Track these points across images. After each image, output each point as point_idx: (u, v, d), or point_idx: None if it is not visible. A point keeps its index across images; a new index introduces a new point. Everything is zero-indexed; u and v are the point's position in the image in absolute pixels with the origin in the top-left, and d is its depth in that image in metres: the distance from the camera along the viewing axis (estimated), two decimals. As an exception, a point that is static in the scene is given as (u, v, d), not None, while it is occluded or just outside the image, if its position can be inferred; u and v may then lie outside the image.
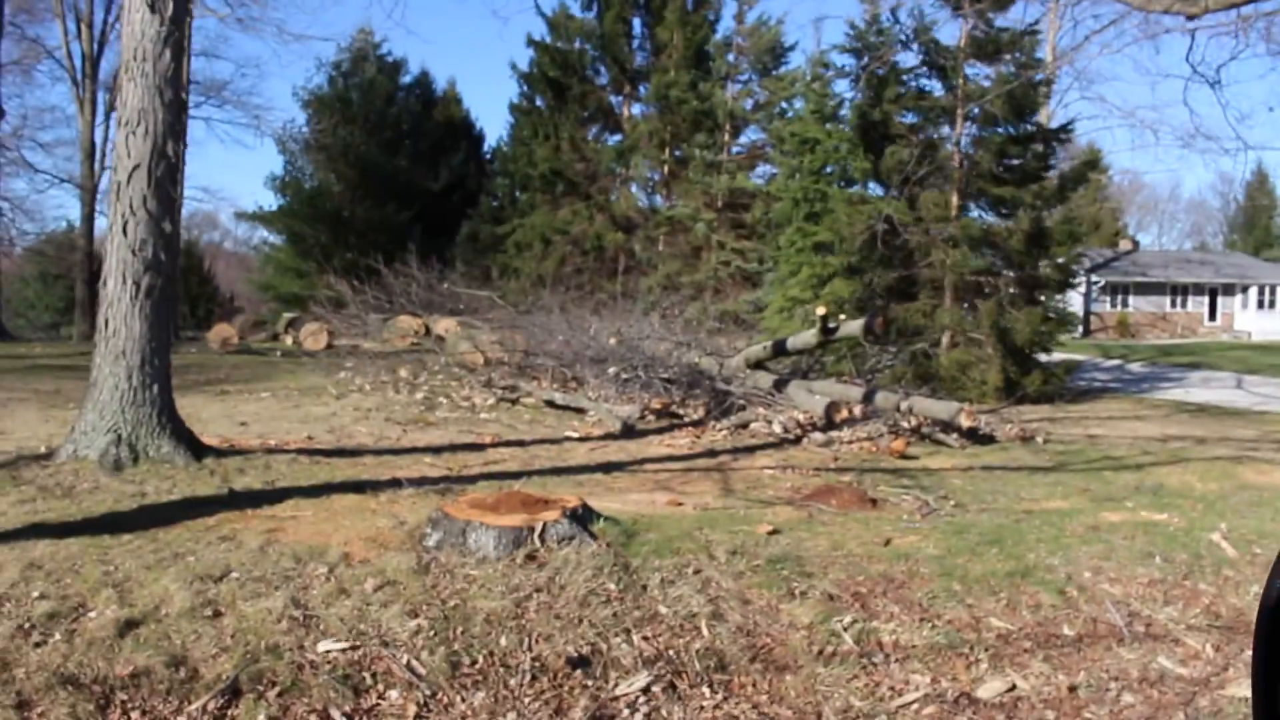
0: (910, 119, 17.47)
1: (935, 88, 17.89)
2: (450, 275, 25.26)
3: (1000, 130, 15.91)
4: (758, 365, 14.48)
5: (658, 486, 8.65)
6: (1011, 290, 16.82)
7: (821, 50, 20.18)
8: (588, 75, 33.03)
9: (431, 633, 4.71)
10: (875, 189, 18.28)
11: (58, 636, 4.47)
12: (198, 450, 8.21)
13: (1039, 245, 16.34)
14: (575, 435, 11.54)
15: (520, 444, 10.75)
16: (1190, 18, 12.69)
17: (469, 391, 14.36)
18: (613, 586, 5.30)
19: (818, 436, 11.53)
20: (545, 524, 5.78)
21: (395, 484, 7.73)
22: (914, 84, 17.79)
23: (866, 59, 17.67)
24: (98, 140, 35.82)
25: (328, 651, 4.51)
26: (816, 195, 18.21)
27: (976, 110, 16.23)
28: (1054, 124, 19.57)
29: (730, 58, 29.67)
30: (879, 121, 17.20)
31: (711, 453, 10.76)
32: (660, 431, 12.17)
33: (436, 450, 9.97)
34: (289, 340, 25.35)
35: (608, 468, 9.45)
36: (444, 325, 22.57)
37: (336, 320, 22.98)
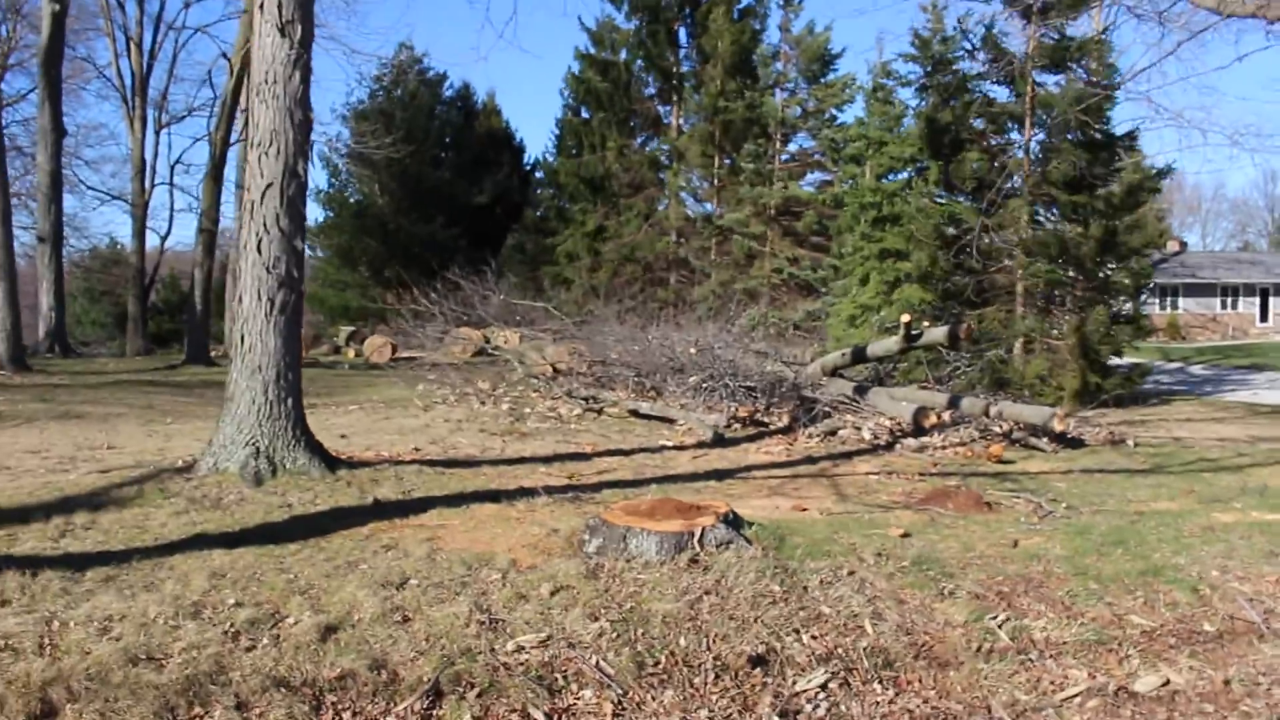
0: (978, 125, 17.52)
1: (999, 94, 17.98)
2: (503, 287, 25.50)
3: (1070, 137, 15.93)
4: (834, 372, 14.58)
5: (773, 493, 8.78)
6: (1083, 295, 16.82)
7: (884, 60, 20.19)
8: (633, 85, 33.15)
9: (614, 634, 4.85)
10: (939, 195, 18.30)
11: (265, 641, 4.64)
12: (330, 462, 8.41)
13: (1110, 251, 16.37)
14: (670, 444, 11.66)
15: (622, 453, 10.87)
16: (1271, 21, 12.69)
17: (553, 402, 14.52)
18: (777, 588, 5.44)
19: (911, 442, 11.60)
20: (704, 529, 5.92)
21: (528, 493, 7.89)
22: (979, 91, 17.85)
23: (931, 67, 17.75)
24: (148, 157, 36.31)
25: (519, 654, 4.65)
26: (883, 202, 18.26)
27: (1045, 117, 16.28)
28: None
29: (778, 66, 29.69)
30: (946, 128, 17.26)
31: (810, 459, 10.85)
32: (750, 439, 12.27)
33: (545, 460, 10.12)
34: (351, 353, 25.64)
35: (718, 475, 9.56)
36: (503, 337, 22.77)
37: (397, 332, 23.23)
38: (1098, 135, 15.99)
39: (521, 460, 10.07)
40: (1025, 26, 16.82)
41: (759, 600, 5.30)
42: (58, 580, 5.28)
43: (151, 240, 38.68)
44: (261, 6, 7.96)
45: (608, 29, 33.01)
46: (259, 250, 7.93)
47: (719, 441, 11.83)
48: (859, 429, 12.34)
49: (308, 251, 45.32)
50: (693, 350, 14.74)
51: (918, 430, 11.96)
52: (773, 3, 31.11)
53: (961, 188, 17.23)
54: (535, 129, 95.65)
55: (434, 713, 4.23)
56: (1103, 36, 15.78)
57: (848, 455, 11.21)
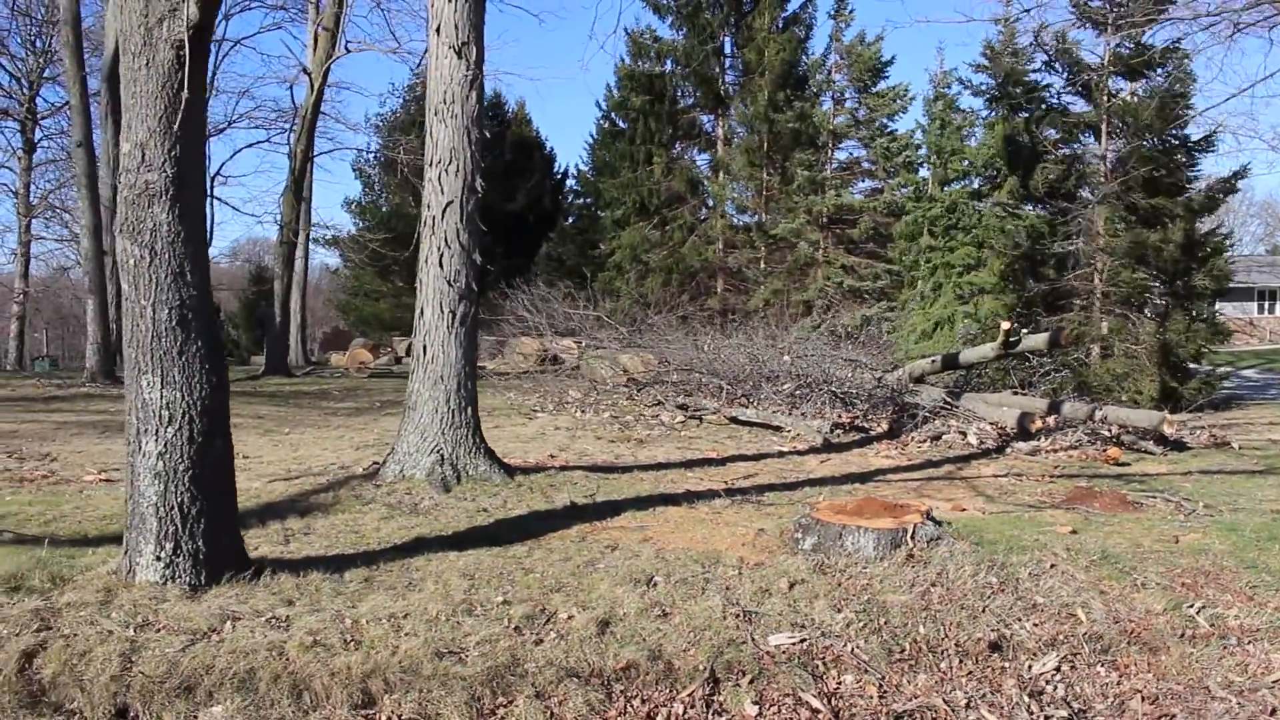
0: (1051, 134, 17.79)
1: (1073, 102, 18.23)
2: (555, 295, 25.66)
3: (1147, 144, 16.17)
4: (920, 379, 14.83)
5: (919, 494, 9.01)
6: (1163, 300, 17.07)
7: (946, 70, 20.44)
8: (676, 96, 33.20)
9: (860, 624, 5.15)
10: (1013, 205, 18.52)
11: (553, 635, 4.92)
12: (508, 469, 8.67)
13: (1190, 255, 16.62)
14: (786, 449, 11.90)
15: (748, 458, 11.10)
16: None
17: (654, 409, 14.75)
18: (994, 580, 5.75)
19: (1022, 446, 11.84)
20: (914, 526, 6.21)
21: (701, 496, 8.17)
22: (1054, 102, 18.12)
23: (1003, 79, 18.02)
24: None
25: (779, 644, 4.94)
26: (957, 214, 18.49)
27: (1123, 124, 16.52)
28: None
29: (825, 74, 29.77)
30: (1024, 141, 17.54)
31: (931, 463, 11.08)
32: (857, 445, 12.48)
33: (685, 465, 10.37)
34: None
35: (858, 478, 9.79)
36: (563, 346, 22.98)
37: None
38: (1175, 140, 16.23)
39: (660, 466, 10.32)
40: (1098, 36, 17.09)
41: (982, 591, 5.60)
42: (327, 583, 5.56)
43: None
44: (439, 29, 8.26)
45: (650, 39, 33.02)
46: (440, 264, 8.23)
47: (828, 447, 12.06)
48: (963, 434, 12.58)
49: (339, 262, 45.80)
50: (786, 358, 15.00)
51: (1023, 434, 12.20)
52: (822, 12, 31.28)
53: (1037, 197, 17.51)
54: (561, 136, 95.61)
55: (714, 698, 4.51)
56: (1179, 44, 16.02)
57: (964, 459, 11.44)
